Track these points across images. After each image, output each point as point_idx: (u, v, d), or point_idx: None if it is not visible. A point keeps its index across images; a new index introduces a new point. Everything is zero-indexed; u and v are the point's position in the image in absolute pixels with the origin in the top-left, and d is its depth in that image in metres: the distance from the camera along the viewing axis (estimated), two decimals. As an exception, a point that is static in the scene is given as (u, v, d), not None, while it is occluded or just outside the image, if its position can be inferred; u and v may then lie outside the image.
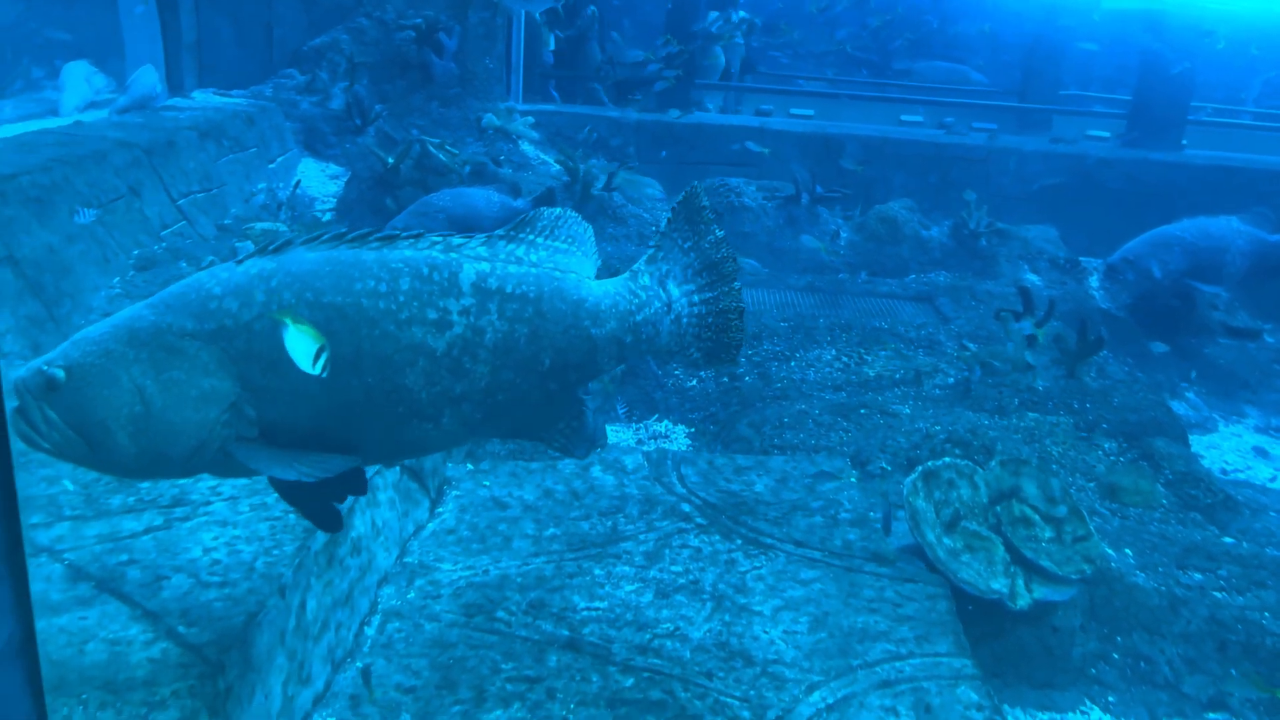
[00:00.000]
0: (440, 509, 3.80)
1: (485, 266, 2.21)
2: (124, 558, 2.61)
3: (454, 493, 3.89)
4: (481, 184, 7.58)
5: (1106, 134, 10.72)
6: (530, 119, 8.88)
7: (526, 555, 3.55)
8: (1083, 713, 3.63)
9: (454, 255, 2.20)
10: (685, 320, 2.35)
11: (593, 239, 2.36)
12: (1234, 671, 3.62)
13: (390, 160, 7.39)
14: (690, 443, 5.68)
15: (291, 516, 2.79)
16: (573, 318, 2.26)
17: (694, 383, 6.13)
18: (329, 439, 2.13)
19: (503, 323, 2.19)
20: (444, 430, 2.23)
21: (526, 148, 8.69)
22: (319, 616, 2.72)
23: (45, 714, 1.01)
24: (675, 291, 2.36)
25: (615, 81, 10.40)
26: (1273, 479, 5.53)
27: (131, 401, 1.98)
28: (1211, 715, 3.56)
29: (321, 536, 2.80)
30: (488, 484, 3.98)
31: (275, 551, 2.65)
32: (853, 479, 4.43)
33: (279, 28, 9.34)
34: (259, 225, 5.85)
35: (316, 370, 1.93)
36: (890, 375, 5.92)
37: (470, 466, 4.13)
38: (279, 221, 6.39)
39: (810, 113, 11.50)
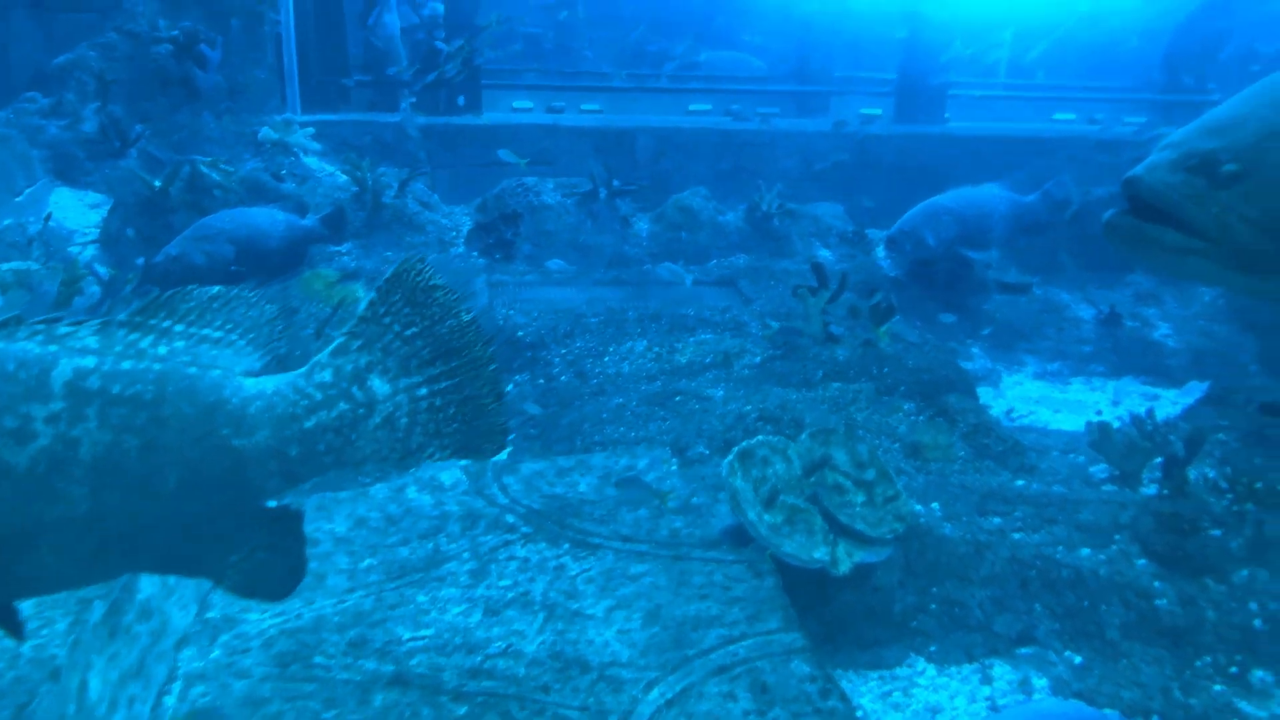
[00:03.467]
0: (243, 554, 3.53)
1: (89, 362, 1.80)
2: None
3: (257, 535, 3.62)
4: (263, 202, 7.15)
5: (879, 111, 11.33)
6: (311, 130, 8.47)
7: (342, 592, 3.35)
8: (909, 665, 3.79)
9: (52, 348, 1.79)
10: (408, 420, 1.97)
11: (272, 324, 1.98)
12: (1037, 606, 3.88)
13: (157, 183, 6.85)
14: (513, 448, 5.56)
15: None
16: (205, 425, 1.84)
17: (511, 388, 6.01)
18: None
19: (105, 432, 1.78)
20: (48, 567, 1.81)
21: (309, 160, 8.28)
22: (105, 695, 2.45)
23: None
24: (384, 389, 1.96)
25: (385, 84, 10.06)
26: (1052, 420, 5.99)
27: None
28: (1021, 649, 3.79)
29: (100, 606, 2.52)
30: (294, 520, 3.73)
31: (45, 631, 2.36)
32: (674, 467, 4.46)
33: (14, 48, 8.49)
34: (5, 265, 5.28)
35: None
36: (701, 360, 6.00)
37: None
38: (31, 260, 5.78)
39: (597, 107, 11.55)
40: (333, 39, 10.12)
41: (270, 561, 1.96)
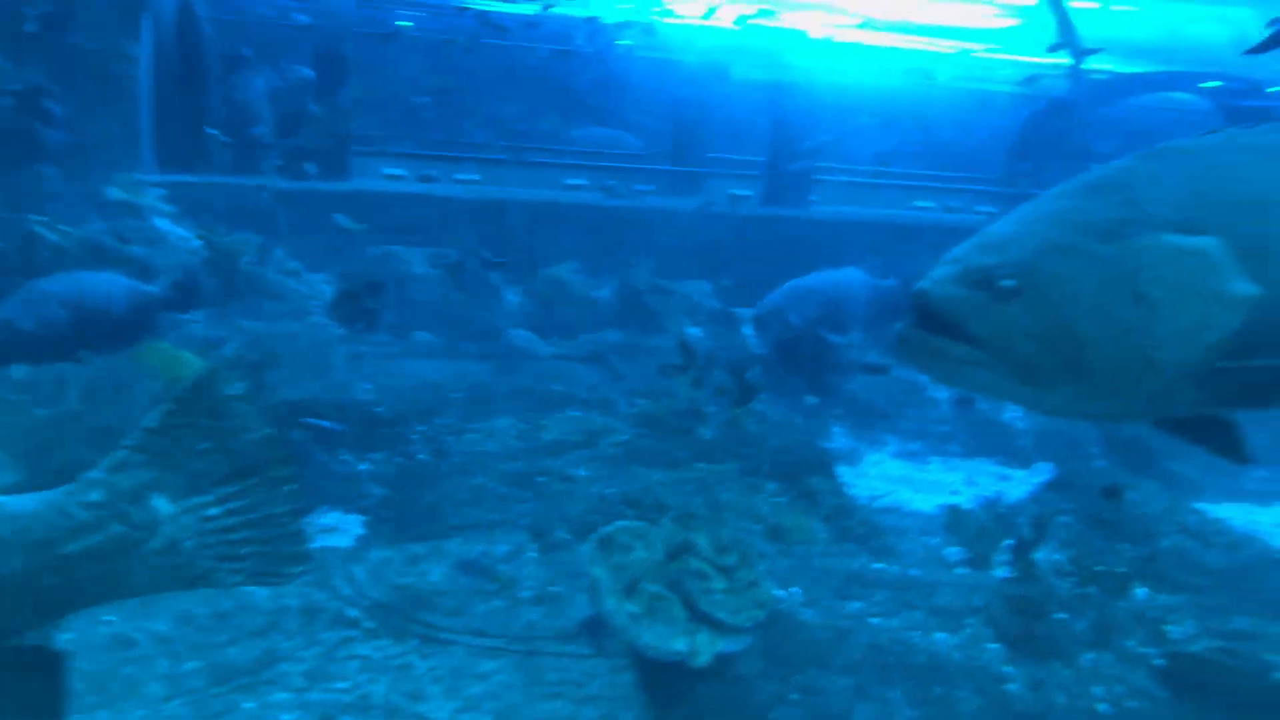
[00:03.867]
0: (45, 659, 3.18)
1: None
2: None
3: (63, 636, 3.28)
4: (106, 266, 6.73)
5: (749, 193, 11.63)
6: (163, 191, 8.07)
7: (159, 700, 3.05)
8: (769, 759, 3.69)
9: None
10: (195, 543, 1.78)
11: (40, 432, 1.84)
12: (896, 693, 3.86)
13: (-15, 243, 6.37)
14: (364, 532, 5.28)
15: None
16: None
17: (365, 465, 5.75)
18: None
19: None
20: None
21: (161, 222, 7.87)
22: None
23: None
24: (168, 509, 1.78)
25: (247, 146, 9.75)
26: (911, 500, 6.11)
27: None
28: (880, 739, 3.75)
29: None
30: (110, 618, 3.40)
31: None
32: (533, 553, 4.31)
33: None
34: None
35: None
36: (568, 438, 5.89)
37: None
38: None
39: (476, 178, 11.48)
40: (193, 98, 9.76)
41: (18, 712, 1.71)
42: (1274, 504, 6.54)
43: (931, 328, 1.95)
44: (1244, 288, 1.87)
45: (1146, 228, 1.89)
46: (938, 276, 1.98)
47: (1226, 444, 2.11)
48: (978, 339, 1.90)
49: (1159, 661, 3.89)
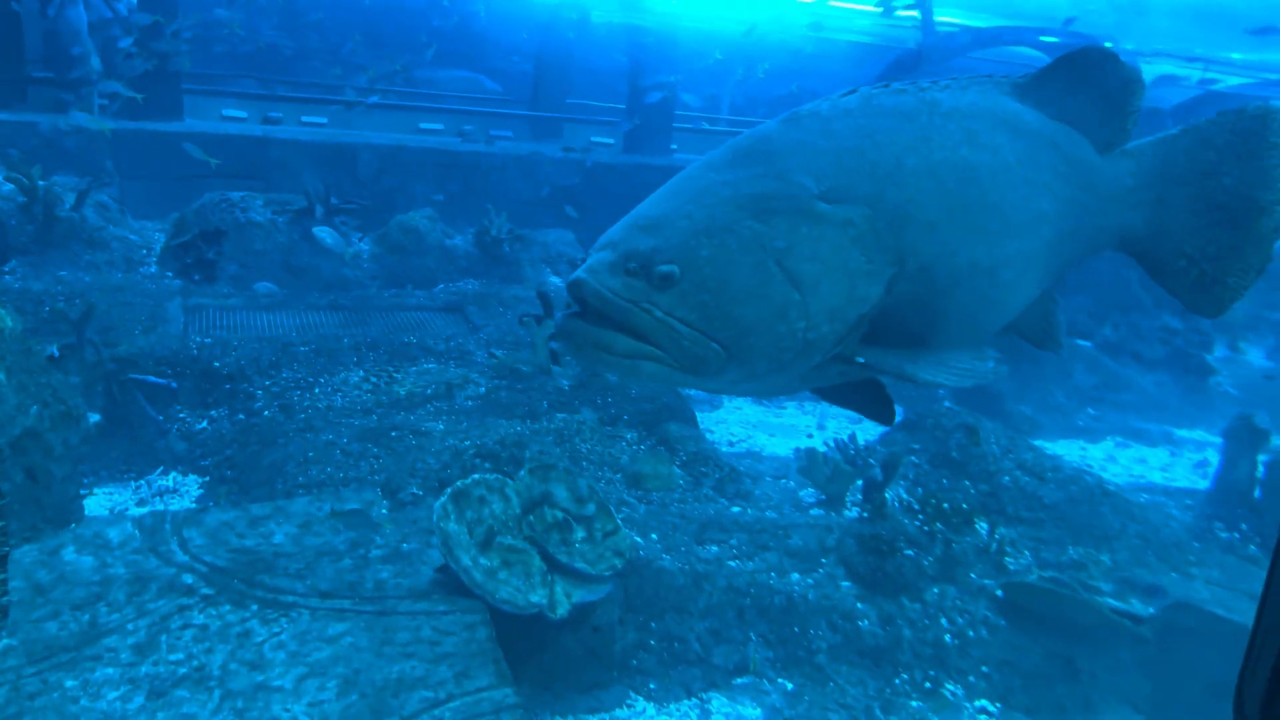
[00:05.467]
0: None
1: None
2: None
3: None
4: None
5: (610, 140, 11.48)
6: (-36, 129, 7.33)
7: (-35, 683, 2.79)
8: (629, 706, 3.70)
9: None
10: None
11: None
12: (753, 635, 3.92)
13: None
14: (203, 493, 5.00)
15: None
16: None
17: (204, 424, 5.42)
18: None
19: None
20: None
21: (-36, 164, 7.15)
22: None
23: None
24: None
25: (66, 81, 8.91)
26: (766, 446, 6.22)
27: None
28: (738, 680, 3.81)
29: None
30: (-96, 599, 3.08)
31: None
32: (384, 510, 4.15)
33: None
34: None
35: None
36: (422, 391, 5.70)
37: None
38: None
39: (323, 121, 10.93)
40: (4, 29, 8.86)
41: None
42: (1104, 439, 6.98)
43: (593, 319, 1.77)
44: (890, 257, 1.81)
45: (795, 201, 1.80)
46: (593, 264, 1.80)
47: (874, 405, 2.05)
48: (640, 332, 1.75)
49: (999, 593, 4.09)
